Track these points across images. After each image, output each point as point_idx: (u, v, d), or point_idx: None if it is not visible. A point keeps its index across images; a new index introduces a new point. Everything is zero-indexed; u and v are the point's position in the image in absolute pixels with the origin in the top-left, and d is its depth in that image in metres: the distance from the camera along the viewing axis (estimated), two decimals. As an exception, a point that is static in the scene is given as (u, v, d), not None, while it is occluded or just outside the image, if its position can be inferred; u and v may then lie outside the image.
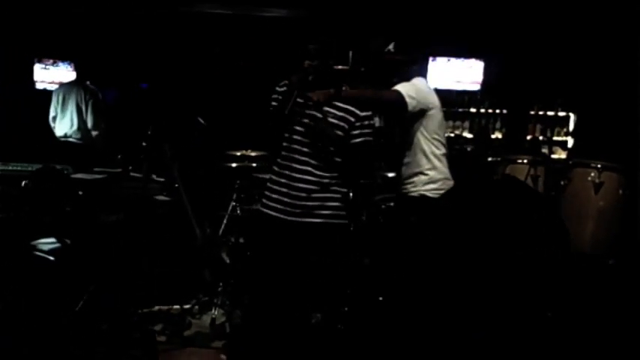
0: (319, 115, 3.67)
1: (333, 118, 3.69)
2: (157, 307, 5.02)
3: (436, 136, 4.26)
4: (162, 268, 5.08)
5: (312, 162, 3.70)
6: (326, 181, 3.70)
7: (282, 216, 3.73)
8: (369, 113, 3.78)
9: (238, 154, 5.60)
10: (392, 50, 4.36)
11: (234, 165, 5.53)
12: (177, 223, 5.16)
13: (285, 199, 3.72)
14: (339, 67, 9.53)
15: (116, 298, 4.60)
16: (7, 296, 4.26)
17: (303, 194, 3.69)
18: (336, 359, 4.07)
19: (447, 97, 8.90)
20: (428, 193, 4.19)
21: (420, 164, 4.23)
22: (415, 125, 4.22)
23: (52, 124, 7.24)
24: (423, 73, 8.84)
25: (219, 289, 4.97)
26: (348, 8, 8.17)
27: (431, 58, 8.38)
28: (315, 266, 3.69)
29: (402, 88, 4.14)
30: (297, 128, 3.74)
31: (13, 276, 4.35)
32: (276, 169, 3.82)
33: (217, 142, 5.97)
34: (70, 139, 7.12)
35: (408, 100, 4.08)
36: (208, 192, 5.71)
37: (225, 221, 5.34)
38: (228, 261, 5.15)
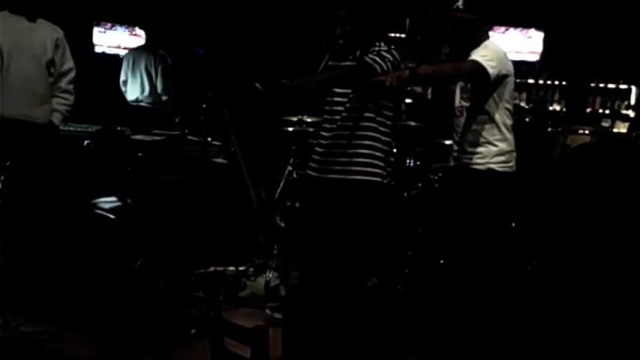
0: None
1: None
2: (212, 268, 5.09)
3: (507, 106, 4.05)
4: (219, 230, 5.13)
5: (344, 117, 3.71)
6: (352, 133, 3.69)
7: (318, 174, 3.79)
8: (390, 55, 3.64)
9: (295, 119, 5.62)
10: (461, 7, 4.01)
11: (290, 129, 5.55)
12: (234, 186, 5.22)
13: (321, 158, 3.78)
14: (395, 34, 9.50)
15: (174, 258, 4.68)
16: (69, 252, 4.36)
17: (334, 150, 3.73)
18: (394, 321, 4.08)
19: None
20: (496, 167, 3.99)
21: (491, 134, 4.00)
22: (489, 92, 3.97)
23: (122, 88, 7.33)
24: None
25: (274, 252, 5.03)
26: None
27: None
28: (349, 225, 3.68)
29: (479, 56, 3.87)
30: (333, 90, 3.75)
31: (75, 234, 4.45)
32: (320, 132, 3.87)
33: (274, 107, 5.99)
34: (142, 104, 7.21)
35: (489, 70, 3.82)
36: (265, 156, 5.75)
37: (281, 185, 5.38)
38: (283, 225, 5.20)
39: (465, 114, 4.07)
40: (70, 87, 4.84)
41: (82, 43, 8.74)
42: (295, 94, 3.42)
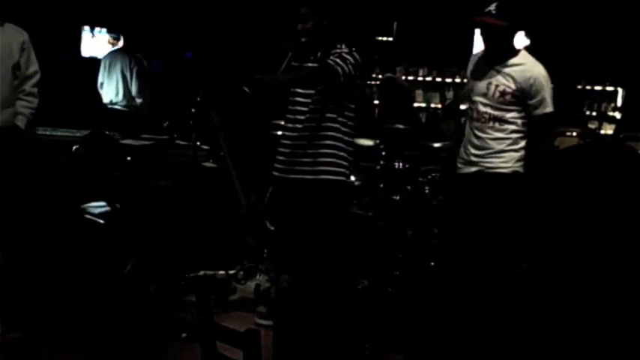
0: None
1: None
2: (202, 272, 5.09)
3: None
4: (209, 234, 5.13)
5: (306, 119, 3.70)
6: (312, 133, 3.68)
7: (283, 175, 3.79)
8: (346, 50, 3.63)
9: (283, 122, 5.61)
10: (494, 12, 3.93)
11: (279, 133, 5.54)
12: (223, 190, 5.21)
13: (284, 158, 3.78)
14: (382, 38, 9.54)
15: (164, 262, 4.68)
16: (57, 258, 4.36)
17: (296, 150, 3.73)
18: (385, 323, 4.10)
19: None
20: (520, 169, 4.03)
21: (514, 139, 4.02)
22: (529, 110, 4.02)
23: (100, 91, 7.34)
24: (469, 44, 8.79)
25: (264, 255, 5.02)
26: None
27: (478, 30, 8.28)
28: (316, 224, 3.68)
29: (549, 92, 3.95)
30: (294, 90, 3.76)
31: (64, 238, 4.44)
32: (283, 132, 3.89)
33: (262, 111, 5.99)
34: (116, 106, 7.22)
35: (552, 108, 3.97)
36: (254, 160, 5.75)
37: (270, 189, 5.37)
38: (272, 228, 5.20)
39: (492, 122, 4.03)
40: (35, 90, 4.80)
41: (70, 47, 8.76)
42: (256, 89, 3.43)
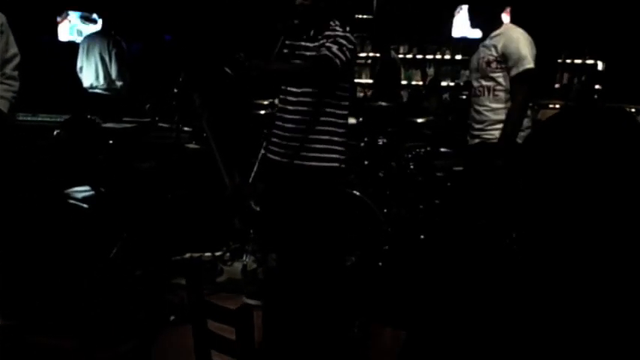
0: (307, 54, 3.65)
1: (316, 53, 3.62)
2: (188, 254, 5.07)
3: None
4: (194, 216, 5.11)
5: (300, 102, 3.69)
6: (310, 118, 3.66)
7: (276, 158, 3.78)
8: (341, 33, 3.60)
9: (266, 102, 5.59)
10: None
11: (262, 112, 5.52)
12: (208, 171, 5.19)
13: (278, 141, 3.77)
14: (362, 16, 9.51)
15: (149, 245, 4.66)
16: (43, 244, 4.32)
17: (290, 134, 3.72)
18: (374, 298, 4.12)
19: (472, 45, 8.89)
20: (518, 139, 4.21)
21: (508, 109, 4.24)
22: (507, 72, 4.24)
23: (79, 75, 7.26)
24: (449, 22, 8.84)
25: (250, 236, 5.02)
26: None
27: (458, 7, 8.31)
28: (307, 209, 3.70)
29: (526, 50, 4.16)
30: None
31: (48, 224, 4.41)
32: (276, 113, 3.87)
33: (245, 91, 5.97)
34: (96, 90, 7.15)
35: (532, 64, 4.15)
36: (237, 140, 5.73)
37: (254, 169, 5.36)
38: (257, 209, 5.19)
39: (486, 93, 4.29)
40: (15, 73, 4.69)
41: (46, 32, 8.67)
42: (247, 74, 3.41)
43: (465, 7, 8.36)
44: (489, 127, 4.28)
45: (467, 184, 4.40)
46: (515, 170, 4.17)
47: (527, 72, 4.16)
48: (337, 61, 3.48)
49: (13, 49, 4.68)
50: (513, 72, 4.16)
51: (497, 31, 4.27)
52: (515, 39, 4.20)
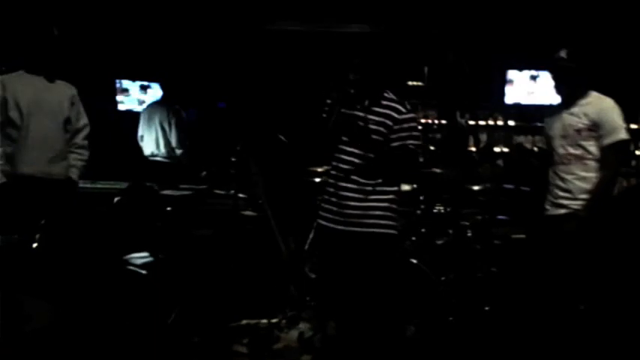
0: (361, 123, 3.69)
1: (372, 124, 3.69)
2: (244, 321, 5.06)
3: None
4: (250, 283, 5.12)
5: (356, 170, 3.72)
6: (369, 188, 3.70)
7: (331, 225, 3.78)
8: (410, 115, 3.75)
9: (320, 169, 5.64)
10: (564, 57, 4.26)
11: (317, 180, 5.56)
12: (263, 238, 5.22)
13: (334, 209, 3.78)
14: (413, 83, 9.58)
15: (206, 312, 4.67)
16: (102, 310, 4.36)
17: (347, 202, 3.73)
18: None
19: (526, 111, 8.89)
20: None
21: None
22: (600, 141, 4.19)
23: (140, 143, 7.41)
24: (501, 88, 8.83)
25: (306, 303, 5.00)
26: (427, 22, 8.20)
27: (511, 72, 8.35)
28: (366, 276, 3.69)
29: (620, 121, 4.14)
30: (343, 139, 3.79)
31: (107, 290, 4.46)
32: (329, 180, 3.89)
33: (299, 159, 6.02)
34: (157, 158, 7.28)
35: (627, 135, 4.17)
36: (293, 207, 5.76)
37: (310, 236, 5.37)
38: (313, 276, 5.18)
39: (574, 161, 4.22)
40: (85, 142, 4.91)
41: (105, 102, 8.91)
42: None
43: (520, 73, 8.42)
44: (580, 196, 4.17)
45: (551, 254, 4.25)
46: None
47: (622, 143, 4.12)
48: (419, 151, 3.60)
49: (84, 120, 4.88)
50: (607, 141, 4.10)
51: (586, 99, 4.21)
52: (609, 108, 4.16)
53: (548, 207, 4.35)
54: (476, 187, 5.24)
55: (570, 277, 4.10)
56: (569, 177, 4.22)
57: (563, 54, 4.23)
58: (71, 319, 4.20)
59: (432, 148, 6.57)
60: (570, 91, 4.25)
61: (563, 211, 4.23)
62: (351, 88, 3.77)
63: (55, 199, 4.63)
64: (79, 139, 4.88)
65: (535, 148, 8.18)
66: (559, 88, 4.33)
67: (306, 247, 5.37)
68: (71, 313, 4.23)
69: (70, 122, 4.78)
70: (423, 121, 9.39)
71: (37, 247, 4.12)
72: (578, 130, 4.16)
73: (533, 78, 8.62)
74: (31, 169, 4.60)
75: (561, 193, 4.25)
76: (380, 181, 3.70)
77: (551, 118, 4.40)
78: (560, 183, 4.27)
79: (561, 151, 4.26)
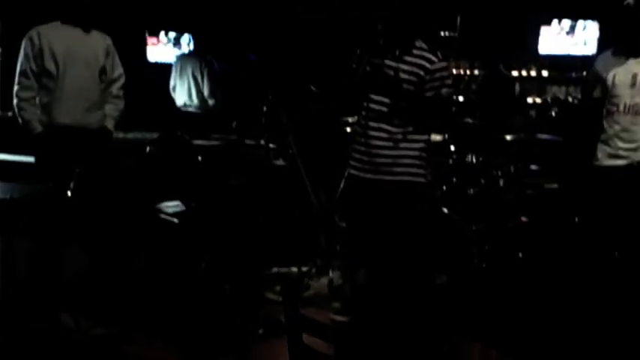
0: (392, 72, 3.66)
1: (403, 73, 3.67)
2: (275, 269, 5.11)
3: None
4: (281, 232, 5.15)
5: (386, 119, 3.73)
6: (399, 137, 3.71)
7: (361, 174, 3.80)
8: (443, 64, 3.74)
9: (351, 119, 5.62)
10: (632, 4, 4.15)
11: (348, 130, 5.55)
12: (294, 188, 5.23)
13: (364, 158, 3.79)
14: (446, 33, 9.44)
15: (237, 260, 4.71)
16: (135, 258, 4.43)
17: (377, 151, 3.74)
18: (467, 315, 4.07)
19: (559, 61, 8.74)
20: None
21: None
22: None
23: (172, 94, 7.42)
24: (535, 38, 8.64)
25: (337, 252, 5.02)
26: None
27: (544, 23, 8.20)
28: (395, 225, 3.71)
29: None
30: (373, 88, 3.77)
31: (140, 238, 4.51)
32: (358, 129, 3.90)
33: (330, 109, 6.00)
34: (189, 109, 7.29)
35: None
36: (323, 157, 5.76)
37: (340, 186, 5.37)
38: (343, 225, 5.19)
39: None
40: (121, 93, 4.94)
41: (136, 53, 8.91)
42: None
43: (554, 23, 8.27)
44: None
45: (604, 204, 4.20)
46: None
47: None
48: (453, 97, 3.57)
49: (119, 70, 4.90)
50: None
51: None
52: None
53: (601, 157, 4.27)
54: (509, 137, 5.19)
55: (616, 228, 4.04)
56: (634, 128, 4.13)
57: (631, 1, 4.12)
58: (105, 266, 4.28)
59: (461, 98, 6.49)
60: (637, 40, 4.15)
61: (621, 162, 4.16)
62: (380, 38, 3.75)
63: (90, 148, 4.68)
64: (115, 89, 4.90)
65: (569, 99, 8.11)
66: (628, 37, 4.20)
67: (337, 196, 5.38)
68: (105, 261, 4.30)
69: (105, 72, 4.80)
70: (454, 71, 9.28)
71: (72, 195, 4.17)
72: None
73: (572, 28, 8.45)
74: (67, 119, 4.64)
75: (623, 145, 4.17)
76: (410, 129, 3.70)
77: (614, 68, 4.24)
78: (622, 134, 4.17)
79: (628, 101, 4.14)
